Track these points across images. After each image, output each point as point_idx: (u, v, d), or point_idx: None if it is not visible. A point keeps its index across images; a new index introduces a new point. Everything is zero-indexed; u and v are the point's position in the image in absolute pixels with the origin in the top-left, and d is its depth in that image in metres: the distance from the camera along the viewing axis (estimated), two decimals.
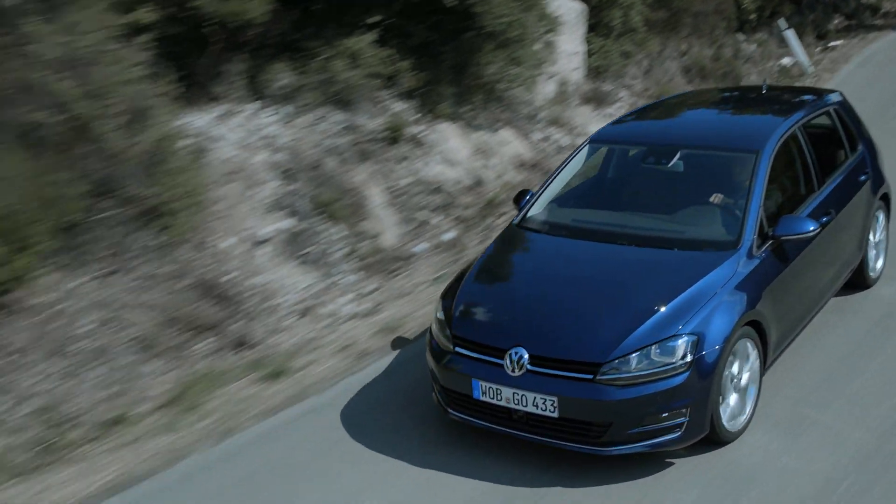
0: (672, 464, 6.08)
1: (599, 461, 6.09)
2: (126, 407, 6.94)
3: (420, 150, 10.42)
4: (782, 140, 7.18)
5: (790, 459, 6.04)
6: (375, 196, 9.63)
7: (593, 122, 12.73)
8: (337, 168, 9.45)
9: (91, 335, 7.06)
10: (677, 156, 7.25)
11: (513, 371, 6.04)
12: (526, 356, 6.03)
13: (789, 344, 6.99)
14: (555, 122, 12.36)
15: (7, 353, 6.71)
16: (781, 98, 8.29)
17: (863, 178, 8.06)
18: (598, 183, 7.75)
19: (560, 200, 7.53)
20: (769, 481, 5.85)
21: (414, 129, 10.54)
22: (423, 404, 6.93)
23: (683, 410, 5.89)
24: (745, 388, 6.35)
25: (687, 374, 5.85)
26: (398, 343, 8.01)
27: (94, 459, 6.55)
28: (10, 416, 6.50)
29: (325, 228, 8.93)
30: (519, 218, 7.42)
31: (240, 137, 9.11)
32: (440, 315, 6.66)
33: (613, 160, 7.76)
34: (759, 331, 6.39)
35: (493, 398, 6.14)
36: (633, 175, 7.62)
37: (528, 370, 6.01)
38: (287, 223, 8.73)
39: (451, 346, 6.40)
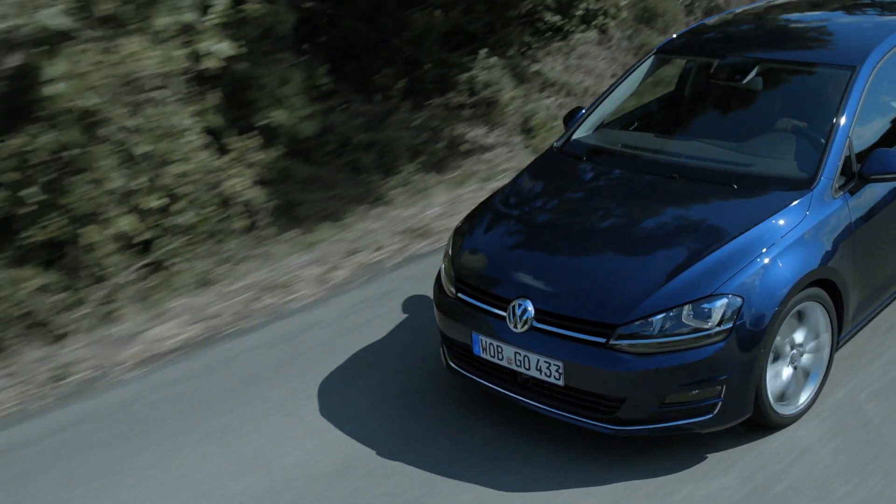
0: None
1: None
2: None
3: None
4: (890, 54, 5.75)
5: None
6: None
7: None
8: None
9: None
10: (755, 70, 5.92)
11: (515, 326, 5.00)
12: (531, 310, 4.98)
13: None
14: None
15: None
16: None
17: None
18: (658, 102, 6.50)
19: (611, 121, 6.32)
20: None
21: None
22: None
23: (717, 388, 4.75)
24: (809, 364, 5.14)
25: (724, 343, 4.68)
26: None
27: None
28: None
29: None
30: (562, 140, 6.26)
31: None
32: (450, 251, 5.66)
33: (678, 75, 6.48)
34: (832, 293, 5.14)
35: (493, 356, 5.13)
36: (699, 94, 6.31)
37: (532, 327, 4.96)
38: None
39: (454, 291, 5.41)
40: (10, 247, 6.51)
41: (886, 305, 5.77)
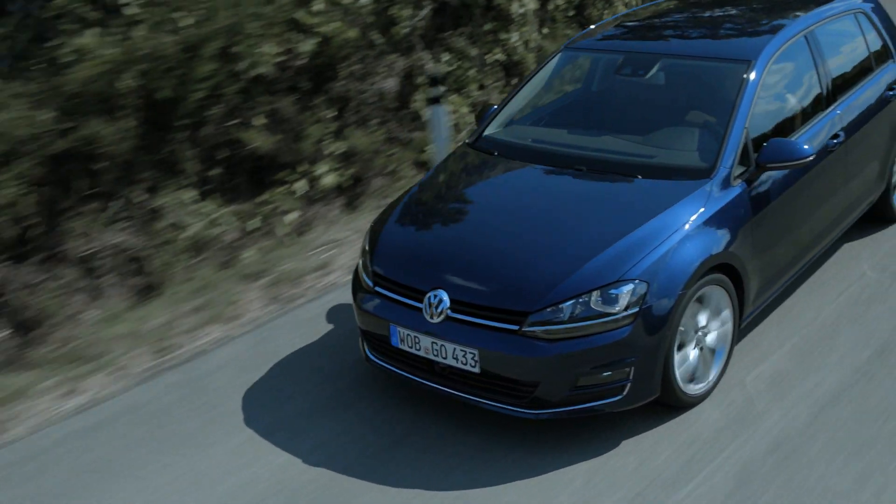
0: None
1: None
2: None
3: None
4: (783, 49, 6.04)
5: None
6: None
7: None
8: None
9: None
10: (657, 66, 6.17)
11: (431, 317, 5.14)
12: (447, 301, 5.12)
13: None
14: None
15: None
16: (794, 0, 7.07)
17: (890, 94, 6.87)
18: (566, 97, 6.70)
19: (521, 117, 6.50)
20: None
21: None
22: None
23: (626, 370, 4.95)
24: (713, 346, 5.37)
25: (631, 327, 4.89)
26: None
27: None
28: None
29: None
30: (474, 137, 6.43)
31: None
32: (367, 245, 5.78)
33: (585, 70, 6.69)
34: (733, 278, 5.38)
35: (411, 347, 5.27)
36: (605, 88, 6.52)
37: (448, 317, 5.11)
38: None
39: (371, 284, 5.53)
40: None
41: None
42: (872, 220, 7.10)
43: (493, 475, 4.94)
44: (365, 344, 5.67)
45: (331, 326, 6.49)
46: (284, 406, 5.65)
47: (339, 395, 5.72)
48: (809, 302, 6.25)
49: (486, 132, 6.37)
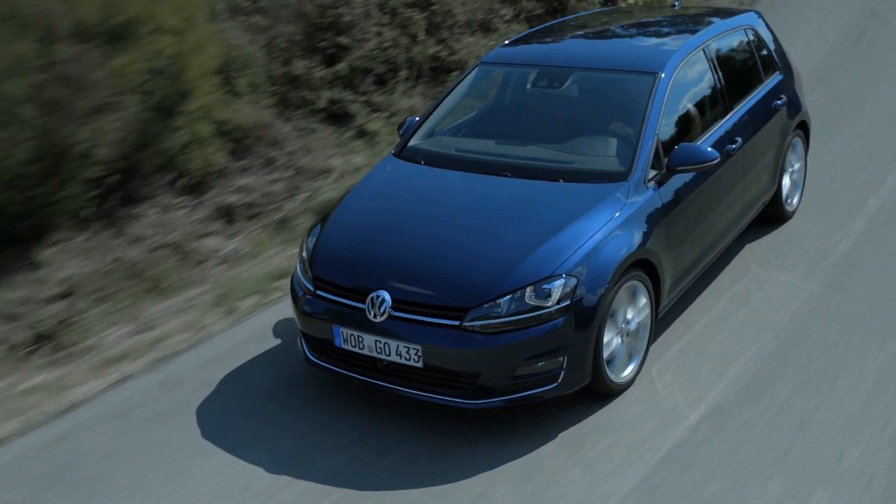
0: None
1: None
2: None
3: None
4: (685, 62, 6.55)
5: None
6: None
7: None
8: None
9: None
10: (570, 78, 6.60)
11: (374, 316, 5.43)
12: (389, 300, 5.42)
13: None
14: None
15: None
16: (691, 18, 7.64)
17: (777, 103, 7.48)
18: (486, 109, 7.07)
19: (444, 128, 6.85)
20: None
21: None
22: None
23: (560, 359, 5.32)
24: (635, 336, 5.80)
25: (563, 319, 5.26)
26: None
27: None
28: None
29: None
30: (398, 147, 6.74)
31: None
32: (304, 253, 6.02)
33: (503, 84, 7.08)
34: (650, 272, 5.82)
35: (354, 346, 5.54)
36: (523, 100, 6.93)
37: (391, 315, 5.40)
38: None
39: (312, 288, 5.78)
40: None
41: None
42: (768, 220, 7.68)
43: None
44: (304, 345, 5.90)
45: None
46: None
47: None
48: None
49: (411, 143, 6.69)
